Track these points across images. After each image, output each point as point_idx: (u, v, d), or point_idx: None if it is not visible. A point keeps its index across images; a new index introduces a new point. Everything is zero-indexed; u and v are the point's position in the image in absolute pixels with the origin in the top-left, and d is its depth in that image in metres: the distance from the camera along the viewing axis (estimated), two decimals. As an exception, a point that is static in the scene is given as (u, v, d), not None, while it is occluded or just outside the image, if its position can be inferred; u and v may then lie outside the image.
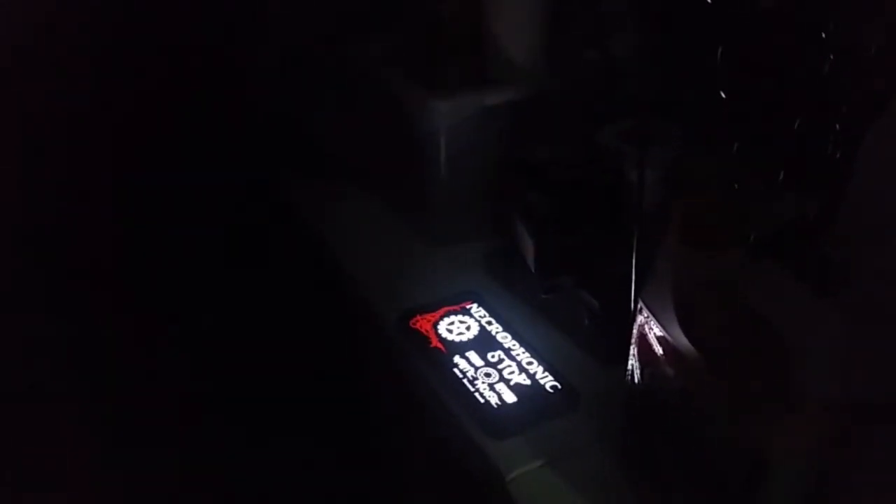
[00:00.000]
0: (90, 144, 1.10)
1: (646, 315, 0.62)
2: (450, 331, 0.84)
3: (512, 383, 0.77)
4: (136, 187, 1.14)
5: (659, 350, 0.61)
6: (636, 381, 0.65)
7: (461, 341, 0.83)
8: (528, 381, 0.77)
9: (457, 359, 0.80)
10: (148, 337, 1.21)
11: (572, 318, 0.84)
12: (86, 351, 1.17)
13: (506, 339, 0.83)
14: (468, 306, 0.87)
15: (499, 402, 0.75)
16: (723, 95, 0.69)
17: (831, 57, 0.72)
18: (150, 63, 1.11)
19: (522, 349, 0.81)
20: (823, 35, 0.72)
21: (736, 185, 0.66)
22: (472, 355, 0.81)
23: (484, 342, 0.82)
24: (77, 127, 1.08)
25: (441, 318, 0.86)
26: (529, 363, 0.79)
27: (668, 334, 0.59)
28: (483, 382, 0.77)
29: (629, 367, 0.66)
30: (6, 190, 1.06)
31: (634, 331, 0.65)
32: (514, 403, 0.75)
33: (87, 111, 1.08)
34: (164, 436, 1.24)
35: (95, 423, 1.21)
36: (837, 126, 0.72)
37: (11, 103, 1.02)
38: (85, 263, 1.14)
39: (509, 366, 0.79)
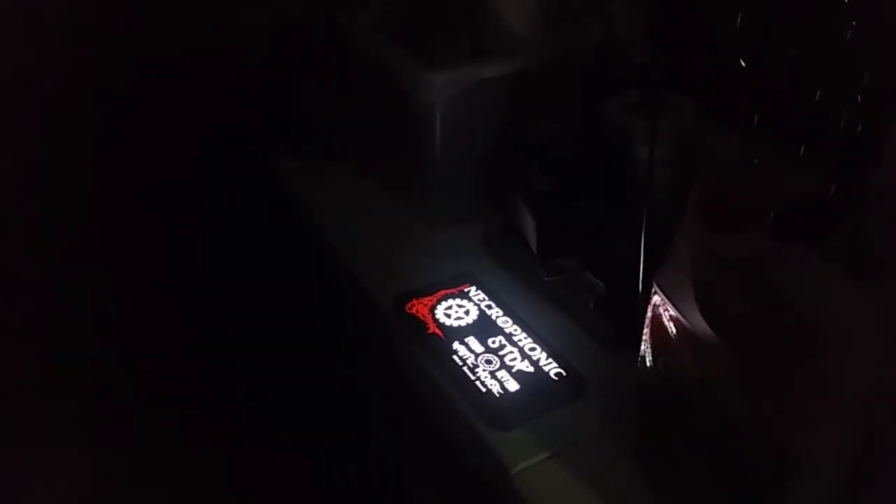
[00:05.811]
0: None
1: (661, 300, 0.58)
2: (448, 315, 0.80)
3: (514, 370, 0.73)
4: (119, 168, 1.10)
5: (676, 337, 0.57)
6: (649, 369, 0.61)
7: (460, 326, 0.79)
8: (531, 369, 0.74)
9: (456, 345, 0.76)
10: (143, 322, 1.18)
11: (577, 302, 0.80)
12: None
13: (507, 323, 0.79)
14: (466, 289, 0.83)
15: (501, 391, 0.71)
16: (742, 64, 0.65)
17: (853, 24, 0.68)
18: (134, 33, 1.06)
19: (524, 334, 0.77)
20: (845, 0, 0.69)
21: (756, 161, 0.62)
22: (471, 341, 0.77)
23: (484, 327, 0.78)
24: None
25: (438, 302, 0.82)
26: (532, 349, 0.76)
27: (687, 320, 0.55)
28: (484, 370, 0.73)
29: (641, 354, 0.63)
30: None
31: (648, 316, 0.61)
32: (516, 392, 0.71)
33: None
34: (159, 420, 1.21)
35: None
36: (859, 98, 0.68)
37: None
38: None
39: (511, 352, 0.75)
